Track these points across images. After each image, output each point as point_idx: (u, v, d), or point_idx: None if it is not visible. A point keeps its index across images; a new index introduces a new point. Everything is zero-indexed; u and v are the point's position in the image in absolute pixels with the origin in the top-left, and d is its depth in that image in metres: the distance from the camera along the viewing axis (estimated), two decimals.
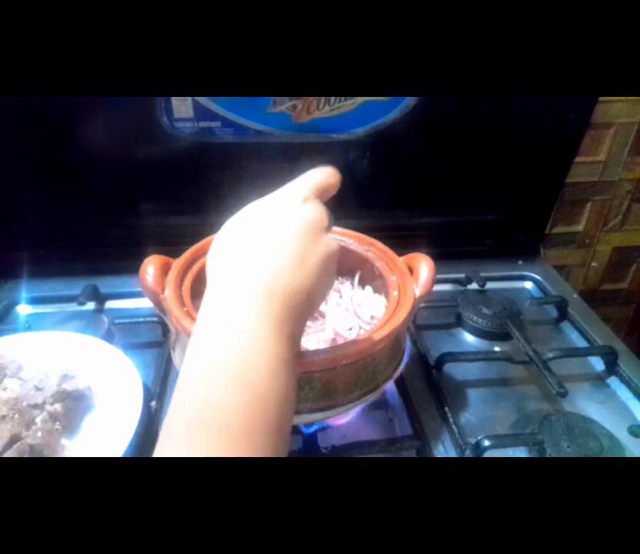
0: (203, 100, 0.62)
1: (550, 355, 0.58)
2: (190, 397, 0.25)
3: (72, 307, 0.67)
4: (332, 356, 0.40)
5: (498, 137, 0.71)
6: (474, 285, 0.74)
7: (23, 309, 0.68)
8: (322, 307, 0.50)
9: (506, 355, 0.60)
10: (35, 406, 0.45)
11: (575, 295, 0.74)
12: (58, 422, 0.45)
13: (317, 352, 0.43)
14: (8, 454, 0.41)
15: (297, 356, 0.30)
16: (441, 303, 0.68)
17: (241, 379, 0.25)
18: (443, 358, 0.58)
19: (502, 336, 0.64)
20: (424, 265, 0.48)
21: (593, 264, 0.94)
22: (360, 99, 0.64)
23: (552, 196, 0.80)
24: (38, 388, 0.47)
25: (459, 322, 0.67)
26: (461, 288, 0.75)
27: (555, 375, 0.54)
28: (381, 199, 0.74)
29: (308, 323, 0.48)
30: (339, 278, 0.56)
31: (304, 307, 0.30)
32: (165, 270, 0.46)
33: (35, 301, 0.69)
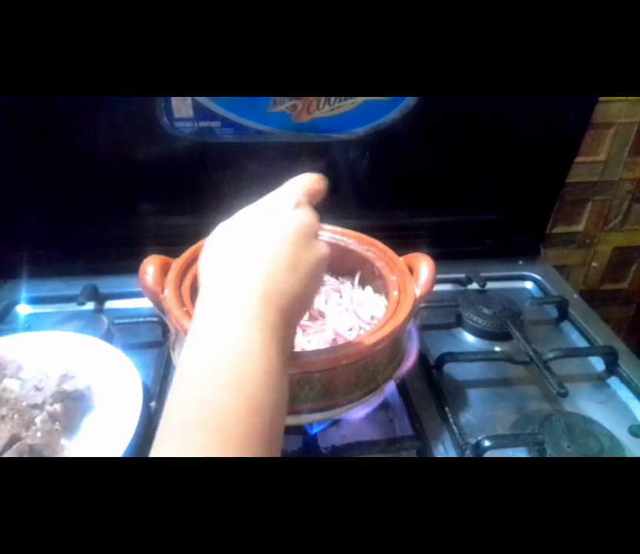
0: (203, 100, 0.62)
1: (550, 355, 0.58)
2: (187, 397, 0.25)
3: (72, 307, 0.67)
4: (332, 356, 0.40)
5: (498, 137, 0.71)
6: (474, 285, 0.74)
7: (23, 309, 0.68)
8: (322, 307, 0.50)
9: (506, 355, 0.60)
10: (35, 406, 0.45)
11: (575, 295, 0.74)
12: (57, 423, 0.45)
13: (317, 352, 0.42)
14: (8, 454, 0.41)
15: (288, 361, 0.30)
16: (441, 303, 0.68)
17: (236, 383, 0.25)
18: (443, 359, 0.58)
19: (502, 336, 0.64)
20: (424, 265, 0.48)
21: (593, 264, 0.94)
22: (360, 99, 0.64)
23: (552, 196, 0.80)
24: (37, 389, 0.47)
25: (459, 322, 0.67)
26: (461, 288, 0.74)
27: (556, 375, 0.54)
28: (381, 199, 0.73)
29: (308, 323, 0.48)
30: (339, 278, 0.56)
31: (296, 311, 0.30)
32: (164, 270, 0.46)
33: (34, 301, 0.69)
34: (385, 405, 0.54)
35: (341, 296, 0.52)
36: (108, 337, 0.59)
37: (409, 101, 0.65)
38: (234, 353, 0.26)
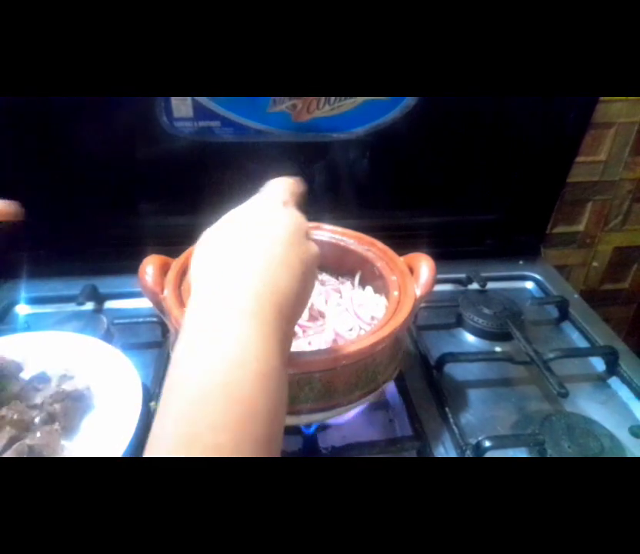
0: (203, 100, 0.62)
1: (551, 355, 0.57)
2: (177, 410, 0.24)
3: (71, 307, 0.67)
4: (333, 357, 0.40)
5: (498, 137, 0.71)
6: (474, 285, 0.74)
7: (22, 309, 0.68)
8: (322, 307, 0.50)
9: (507, 356, 0.59)
10: (35, 406, 0.45)
11: (575, 295, 0.74)
12: (57, 423, 0.45)
13: (317, 352, 0.42)
14: (8, 454, 0.41)
15: (286, 362, 0.29)
16: (441, 303, 0.68)
17: (232, 389, 0.24)
18: (444, 359, 0.57)
19: (503, 336, 0.64)
20: (424, 265, 0.48)
21: (594, 264, 0.94)
22: (360, 99, 0.64)
23: (553, 196, 0.80)
24: (37, 389, 0.47)
25: (460, 322, 0.67)
26: (461, 288, 0.74)
27: (556, 376, 0.54)
28: (381, 199, 0.73)
29: (309, 323, 0.48)
30: (339, 278, 0.56)
31: (292, 312, 0.30)
32: (164, 270, 0.46)
33: (34, 301, 0.69)
34: (385, 405, 0.54)
35: (341, 296, 0.52)
36: (107, 337, 0.59)
37: (409, 101, 0.65)
38: (230, 355, 0.25)
